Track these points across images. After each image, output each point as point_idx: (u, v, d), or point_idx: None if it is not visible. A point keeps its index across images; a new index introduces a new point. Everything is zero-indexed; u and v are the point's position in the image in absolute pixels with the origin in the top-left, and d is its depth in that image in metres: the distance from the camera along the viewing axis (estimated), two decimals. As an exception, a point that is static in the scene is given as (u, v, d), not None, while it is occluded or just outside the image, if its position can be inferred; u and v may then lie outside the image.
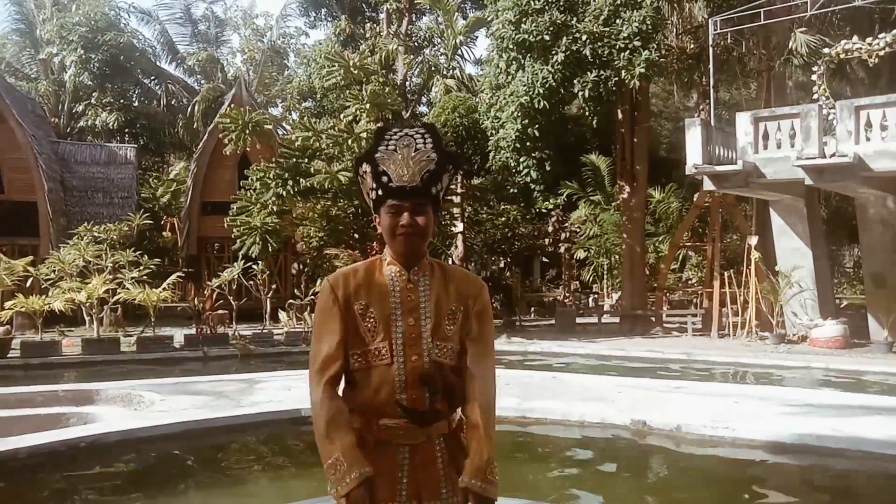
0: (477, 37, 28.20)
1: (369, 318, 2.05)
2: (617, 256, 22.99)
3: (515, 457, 6.05)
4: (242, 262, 17.94)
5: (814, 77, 15.55)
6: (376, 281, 2.08)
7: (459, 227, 22.61)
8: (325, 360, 2.03)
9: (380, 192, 2.04)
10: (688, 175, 15.99)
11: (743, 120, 14.87)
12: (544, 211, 25.65)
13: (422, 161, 2.02)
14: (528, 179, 18.45)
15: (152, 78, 33.85)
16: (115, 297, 15.81)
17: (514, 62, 17.48)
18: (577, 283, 26.92)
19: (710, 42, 16.12)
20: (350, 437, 1.97)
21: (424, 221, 2.03)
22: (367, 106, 18.12)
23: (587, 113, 17.79)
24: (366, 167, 2.07)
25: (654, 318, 19.32)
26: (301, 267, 23.99)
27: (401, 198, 2.01)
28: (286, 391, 8.44)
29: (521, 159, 18.06)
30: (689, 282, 23.79)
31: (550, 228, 26.80)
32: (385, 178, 2.02)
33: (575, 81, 16.80)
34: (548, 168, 18.18)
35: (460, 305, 2.10)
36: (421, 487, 2.00)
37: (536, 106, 16.88)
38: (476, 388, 2.09)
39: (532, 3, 16.85)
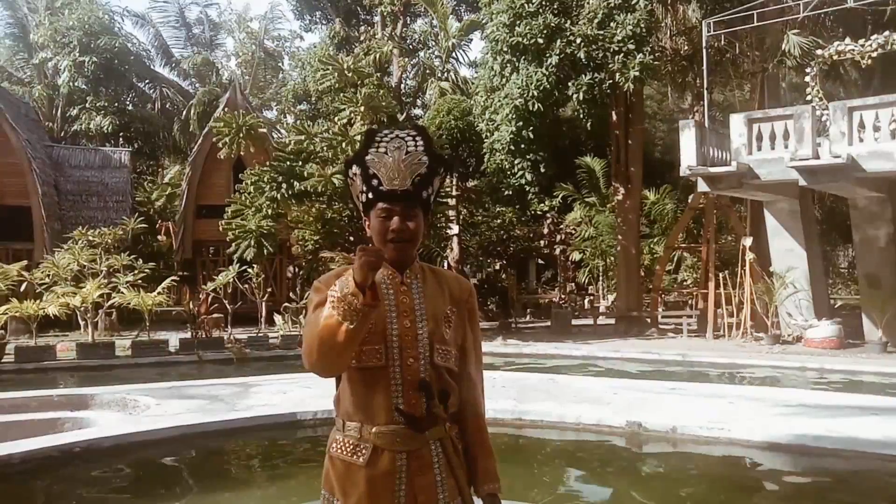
0: (471, 39, 28.23)
1: None
2: (612, 258, 23.02)
3: (511, 459, 6.03)
4: (237, 265, 17.91)
5: (807, 78, 15.62)
6: None
7: (455, 229, 22.62)
8: None
9: (370, 196, 2.01)
10: (682, 176, 16.05)
11: (736, 121, 14.92)
12: (539, 213, 25.68)
13: (413, 164, 1.99)
14: (523, 181, 18.46)
15: (147, 81, 33.77)
16: (110, 302, 15.78)
17: (508, 65, 17.51)
18: (573, 284, 26.96)
19: (704, 44, 16.17)
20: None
21: (415, 226, 2.00)
22: (362, 109, 18.12)
23: (581, 115, 17.82)
24: (355, 169, 2.03)
25: (649, 320, 19.33)
26: (296, 270, 23.93)
27: (391, 202, 1.98)
28: (281, 395, 8.42)
29: (516, 161, 18.08)
30: (685, 283, 23.85)
31: (546, 230, 26.86)
32: (375, 182, 1.99)
33: (569, 84, 16.86)
34: (542, 170, 18.19)
35: (454, 308, 2.09)
36: (418, 493, 1.97)
37: (531, 108, 16.93)
38: (472, 393, 2.10)
39: (526, 6, 16.89)
